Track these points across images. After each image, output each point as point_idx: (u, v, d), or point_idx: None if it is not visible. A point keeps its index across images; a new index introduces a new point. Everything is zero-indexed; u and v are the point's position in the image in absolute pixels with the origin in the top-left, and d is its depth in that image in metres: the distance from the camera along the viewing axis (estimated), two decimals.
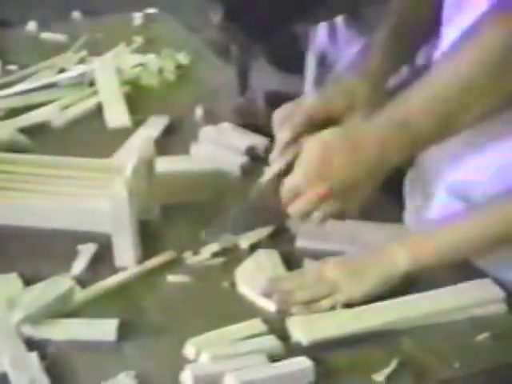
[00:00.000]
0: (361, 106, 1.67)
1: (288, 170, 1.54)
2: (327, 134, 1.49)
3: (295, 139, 1.61)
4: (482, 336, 1.39)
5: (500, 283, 1.48)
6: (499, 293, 1.46)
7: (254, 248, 1.57)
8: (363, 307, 1.43)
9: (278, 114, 1.66)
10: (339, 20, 2.23)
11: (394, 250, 1.47)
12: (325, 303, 1.43)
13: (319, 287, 1.45)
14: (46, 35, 2.36)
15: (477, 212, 1.48)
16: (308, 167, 1.47)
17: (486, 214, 1.46)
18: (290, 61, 2.41)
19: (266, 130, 1.82)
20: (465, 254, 1.48)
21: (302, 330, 1.38)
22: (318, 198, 1.47)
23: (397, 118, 1.45)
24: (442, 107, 1.43)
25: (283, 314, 1.42)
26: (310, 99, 1.72)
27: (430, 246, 1.47)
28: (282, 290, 1.45)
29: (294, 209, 1.50)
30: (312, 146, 1.48)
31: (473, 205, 1.51)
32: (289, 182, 1.49)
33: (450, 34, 1.56)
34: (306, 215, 1.50)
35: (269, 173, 1.63)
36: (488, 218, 1.45)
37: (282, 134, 1.63)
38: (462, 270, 1.49)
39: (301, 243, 1.60)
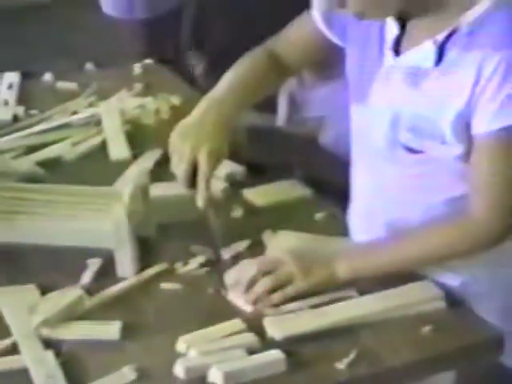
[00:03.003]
0: None
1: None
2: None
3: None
4: (426, 329, 1.38)
5: (439, 285, 1.47)
6: (439, 292, 1.46)
7: (234, 259, 1.55)
8: (327, 307, 1.42)
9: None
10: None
11: (338, 260, 1.46)
12: (276, 297, 1.42)
13: (278, 277, 1.44)
14: (61, 84, 2.35)
15: (403, 238, 1.49)
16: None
17: (409, 242, 1.48)
18: (264, 102, 2.41)
19: (245, 159, 1.82)
20: (394, 271, 1.48)
21: (276, 327, 1.38)
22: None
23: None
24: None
25: (259, 314, 1.41)
26: None
27: (367, 261, 1.49)
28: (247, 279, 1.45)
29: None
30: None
31: (402, 231, 1.52)
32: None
33: (356, 110, 1.57)
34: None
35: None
36: (411, 244, 1.48)
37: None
38: (408, 274, 1.48)
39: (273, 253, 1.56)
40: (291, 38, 1.69)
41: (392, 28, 1.46)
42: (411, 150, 1.47)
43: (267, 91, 1.74)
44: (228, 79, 1.65)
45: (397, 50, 1.47)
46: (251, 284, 1.44)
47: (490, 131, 1.37)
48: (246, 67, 1.68)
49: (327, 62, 1.95)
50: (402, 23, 1.45)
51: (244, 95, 1.65)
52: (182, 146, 1.57)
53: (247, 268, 1.47)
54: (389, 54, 1.47)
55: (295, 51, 1.69)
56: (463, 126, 1.40)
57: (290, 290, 1.43)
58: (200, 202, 1.56)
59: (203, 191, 1.56)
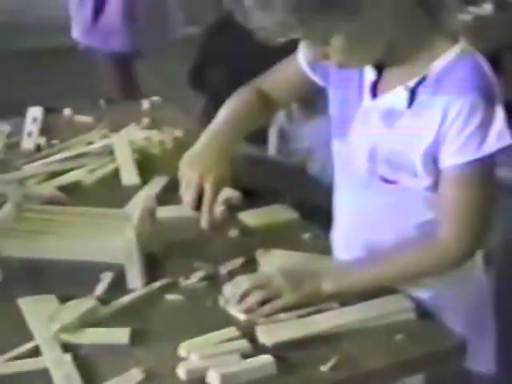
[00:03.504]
0: None
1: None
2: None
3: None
4: (398, 337, 1.38)
5: (410, 298, 1.47)
6: (410, 305, 1.46)
7: (230, 274, 1.55)
8: (312, 317, 1.42)
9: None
10: (295, 104, 2.24)
11: (323, 277, 1.46)
12: (267, 308, 1.42)
13: (268, 290, 1.44)
14: (78, 118, 2.35)
15: (381, 260, 1.49)
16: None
17: (385, 263, 1.48)
18: (257, 135, 2.42)
19: (240, 185, 1.82)
20: (372, 287, 1.48)
21: (267, 335, 1.37)
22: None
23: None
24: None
25: (252, 323, 1.41)
26: None
27: (348, 279, 1.48)
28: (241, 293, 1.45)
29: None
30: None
31: (380, 252, 1.52)
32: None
33: (338, 145, 1.57)
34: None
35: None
36: (387, 266, 1.47)
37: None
38: (382, 288, 1.48)
39: (265, 269, 1.57)
40: (278, 77, 1.68)
41: (370, 74, 1.47)
42: (387, 181, 1.47)
43: (258, 123, 1.73)
44: (224, 113, 1.66)
45: (374, 93, 1.47)
46: (244, 296, 1.44)
47: (454, 165, 1.38)
48: (238, 102, 1.68)
49: (312, 99, 1.96)
50: (379, 69, 1.46)
51: (239, 126, 1.65)
52: (190, 174, 1.57)
53: (242, 282, 1.47)
54: (367, 96, 1.48)
55: (281, 89, 1.68)
56: (431, 160, 1.41)
57: (278, 303, 1.43)
58: (204, 223, 1.56)
59: (207, 214, 1.56)
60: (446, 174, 1.40)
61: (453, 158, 1.38)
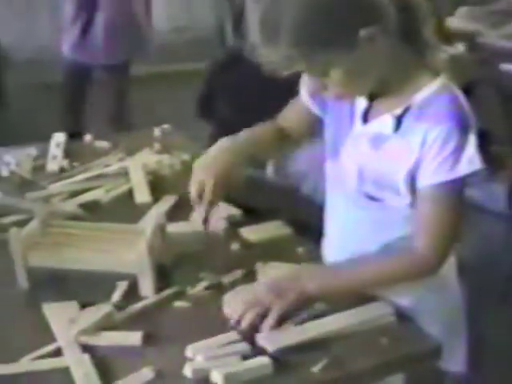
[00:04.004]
0: None
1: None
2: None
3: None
4: (382, 340, 1.38)
5: (391, 304, 1.47)
6: (391, 310, 1.45)
7: (232, 284, 1.55)
8: (306, 324, 1.41)
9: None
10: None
11: (306, 280, 1.43)
12: (264, 327, 1.39)
13: (257, 310, 1.41)
14: (98, 143, 2.35)
15: (361, 266, 1.47)
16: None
17: (365, 269, 1.46)
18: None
19: (242, 204, 1.82)
20: (352, 290, 1.48)
21: (266, 340, 1.37)
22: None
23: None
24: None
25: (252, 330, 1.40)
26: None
27: (331, 281, 1.46)
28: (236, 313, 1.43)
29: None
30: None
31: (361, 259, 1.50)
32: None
33: (330, 165, 1.57)
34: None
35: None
36: (367, 271, 1.46)
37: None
38: (367, 296, 1.48)
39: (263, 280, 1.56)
40: (290, 112, 1.69)
41: (362, 102, 1.48)
42: (373, 199, 1.47)
43: (271, 148, 1.72)
44: (245, 134, 1.65)
45: (364, 119, 1.48)
46: (238, 320, 1.41)
47: (430, 184, 1.38)
48: (259, 130, 1.68)
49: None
50: (370, 99, 1.47)
51: (253, 149, 1.65)
52: (197, 175, 1.58)
53: (236, 305, 1.44)
54: (358, 122, 1.49)
55: (293, 122, 1.68)
56: (412, 180, 1.41)
57: (271, 317, 1.40)
58: (199, 219, 1.58)
59: (202, 213, 1.58)
60: (422, 193, 1.40)
61: (428, 178, 1.38)
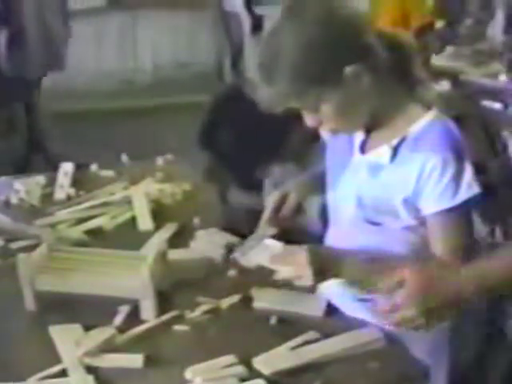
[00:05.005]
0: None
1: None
2: (424, 274, 1.30)
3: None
4: (372, 364, 1.37)
5: (381, 330, 1.45)
6: (380, 334, 1.45)
7: (230, 308, 1.54)
8: (300, 349, 1.40)
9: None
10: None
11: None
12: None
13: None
14: (103, 172, 2.34)
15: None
16: (415, 301, 1.29)
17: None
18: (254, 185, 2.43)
19: (240, 233, 1.80)
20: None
21: (262, 364, 1.35)
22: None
23: (474, 278, 1.31)
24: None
25: (247, 354, 1.38)
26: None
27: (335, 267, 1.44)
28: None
29: (394, 320, 1.31)
30: (416, 281, 1.30)
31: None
32: (406, 314, 1.29)
33: (331, 194, 1.59)
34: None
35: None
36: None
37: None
38: (356, 321, 1.48)
39: (259, 305, 1.56)
40: None
41: (359, 135, 1.50)
42: (373, 223, 1.49)
43: None
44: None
45: (362, 150, 1.50)
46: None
47: (435, 212, 1.41)
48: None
49: (305, 156, 1.98)
50: (367, 130, 1.49)
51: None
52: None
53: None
54: (357, 152, 1.51)
55: None
56: (413, 207, 1.43)
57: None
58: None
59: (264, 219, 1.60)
60: (429, 219, 1.43)
61: (433, 206, 1.41)
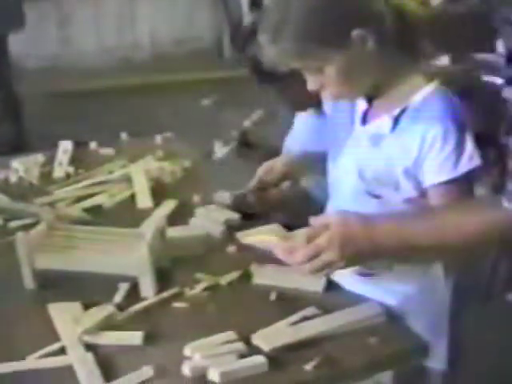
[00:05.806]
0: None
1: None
2: (349, 221, 1.31)
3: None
4: (372, 339, 1.36)
5: (380, 304, 1.45)
6: (379, 310, 1.44)
7: (230, 285, 1.53)
8: (299, 324, 1.39)
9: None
10: None
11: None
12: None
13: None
14: (102, 150, 2.33)
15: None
16: (337, 246, 1.29)
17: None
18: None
19: (254, 214, 1.79)
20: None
21: (261, 340, 1.35)
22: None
23: (399, 234, 1.31)
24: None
25: (247, 330, 1.37)
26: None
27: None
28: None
29: (312, 267, 1.32)
30: (338, 228, 1.30)
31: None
32: (327, 258, 1.30)
33: (332, 166, 1.59)
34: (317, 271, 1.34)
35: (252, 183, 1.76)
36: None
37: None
38: (356, 296, 1.48)
39: (259, 281, 1.55)
40: None
41: (361, 104, 1.50)
42: (373, 195, 1.48)
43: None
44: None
45: (364, 120, 1.50)
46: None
47: (436, 183, 1.40)
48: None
49: None
50: (369, 100, 1.49)
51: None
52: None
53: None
54: (358, 124, 1.51)
55: None
56: (413, 177, 1.43)
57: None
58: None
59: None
60: (430, 191, 1.43)
61: (434, 177, 1.41)
